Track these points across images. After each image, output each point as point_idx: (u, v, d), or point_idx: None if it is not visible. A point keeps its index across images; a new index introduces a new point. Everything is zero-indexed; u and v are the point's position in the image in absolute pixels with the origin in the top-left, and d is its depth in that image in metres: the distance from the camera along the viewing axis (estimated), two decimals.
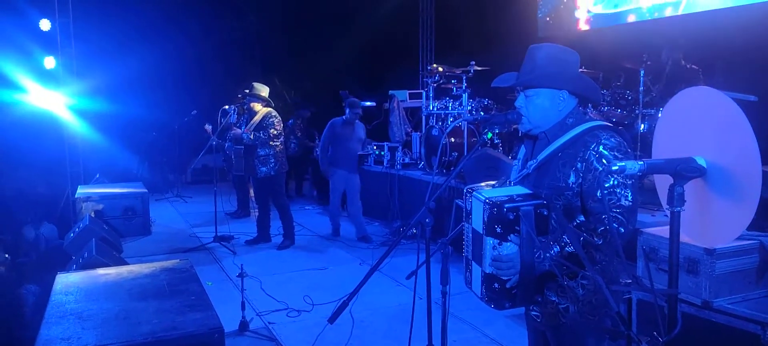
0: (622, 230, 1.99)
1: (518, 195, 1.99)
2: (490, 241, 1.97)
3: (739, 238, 3.11)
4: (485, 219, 1.98)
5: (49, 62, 7.91)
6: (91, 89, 8.74)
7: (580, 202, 2.08)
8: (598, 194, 2.01)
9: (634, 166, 1.83)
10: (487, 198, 1.98)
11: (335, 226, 7.42)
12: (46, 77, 7.92)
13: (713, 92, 2.09)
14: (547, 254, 1.94)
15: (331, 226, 7.49)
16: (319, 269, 6.04)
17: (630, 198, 2.01)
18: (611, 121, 4.95)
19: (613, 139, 2.05)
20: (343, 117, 7.06)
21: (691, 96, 2.25)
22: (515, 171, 2.34)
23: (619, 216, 1.99)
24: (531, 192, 2.03)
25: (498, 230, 1.94)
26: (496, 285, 2.00)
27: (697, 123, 2.10)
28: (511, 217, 1.92)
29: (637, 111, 5.87)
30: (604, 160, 2.01)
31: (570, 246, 1.94)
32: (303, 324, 4.51)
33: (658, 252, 3.43)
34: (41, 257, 5.62)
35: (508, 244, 1.95)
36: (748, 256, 3.26)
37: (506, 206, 1.92)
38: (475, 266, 2.11)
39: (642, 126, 5.81)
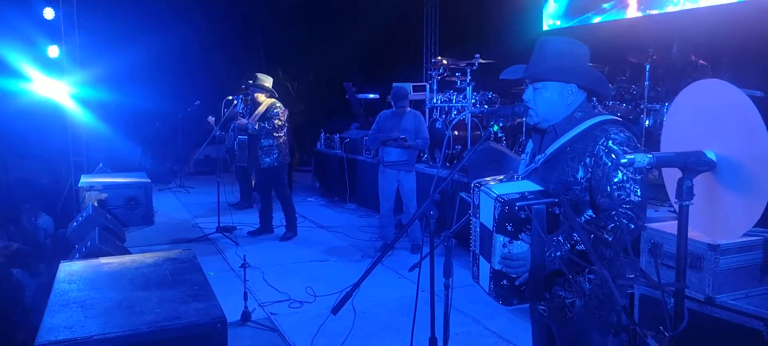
0: (632, 226, 1.97)
1: (530, 193, 1.95)
2: (500, 238, 1.94)
3: (744, 234, 3.10)
4: (496, 216, 1.94)
5: (53, 51, 7.90)
6: (94, 79, 8.74)
7: (589, 197, 2.06)
8: (607, 189, 1.99)
9: (643, 159, 1.81)
10: (498, 195, 1.94)
11: (386, 238, 6.20)
12: (49, 66, 7.91)
13: (725, 85, 2.07)
14: (558, 253, 1.92)
15: (381, 238, 6.36)
16: (321, 260, 6.04)
17: (639, 193, 1.99)
18: (616, 116, 4.93)
19: (622, 134, 2.03)
20: (392, 109, 6.17)
21: (701, 89, 2.23)
22: (523, 165, 2.32)
23: (629, 212, 1.97)
24: (542, 189, 2.00)
25: (509, 228, 1.91)
26: (505, 282, 1.98)
27: (708, 117, 2.08)
28: (523, 216, 1.89)
29: (642, 106, 5.84)
30: (613, 155, 1.99)
31: (581, 244, 1.92)
32: (305, 315, 4.51)
33: (662, 247, 3.42)
34: (37, 248, 5.62)
35: (519, 242, 1.92)
36: (752, 252, 3.26)
37: (518, 204, 1.89)
38: (483, 262, 2.08)
39: (647, 121, 5.78)
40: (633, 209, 1.98)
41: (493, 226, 1.96)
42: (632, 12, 7.32)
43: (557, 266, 1.93)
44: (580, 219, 2.05)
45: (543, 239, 1.88)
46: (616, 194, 1.98)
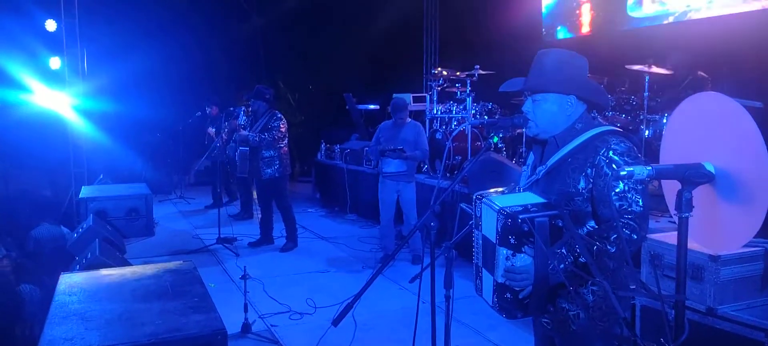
0: (635, 236, 1.97)
1: (533, 205, 1.95)
2: (503, 251, 1.94)
3: (745, 245, 3.10)
4: (499, 229, 1.94)
5: (55, 63, 7.94)
6: (95, 90, 8.78)
7: (591, 208, 2.07)
8: (609, 199, 1.99)
9: (642, 171, 1.82)
10: (501, 208, 1.93)
11: (387, 249, 6.22)
12: (51, 78, 7.95)
13: (723, 98, 2.08)
14: (561, 266, 1.92)
15: (382, 249, 6.38)
16: (322, 271, 6.03)
17: (641, 203, 1.99)
18: (616, 126, 4.94)
19: (623, 144, 2.04)
20: (392, 120, 6.16)
21: (700, 102, 2.24)
22: (524, 177, 2.32)
23: (631, 222, 1.97)
24: (545, 202, 2.00)
25: (512, 240, 1.91)
26: (509, 295, 1.97)
27: (706, 129, 2.09)
28: (526, 228, 1.89)
29: (641, 116, 5.86)
30: (613, 166, 2.00)
31: (582, 256, 1.91)
32: (305, 327, 4.50)
33: (663, 258, 3.42)
34: (40, 258, 5.61)
35: (522, 255, 1.92)
36: (753, 263, 3.25)
37: (521, 216, 1.89)
38: (486, 274, 2.07)
39: (646, 132, 5.79)
40: (635, 219, 1.98)
41: (496, 238, 1.95)
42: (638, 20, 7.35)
43: (561, 278, 1.92)
44: (582, 230, 2.06)
45: (546, 251, 1.88)
46: (617, 204, 1.98)
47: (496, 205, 1.96)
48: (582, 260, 1.91)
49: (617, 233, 1.95)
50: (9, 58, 7.55)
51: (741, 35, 5.79)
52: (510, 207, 1.93)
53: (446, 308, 2.25)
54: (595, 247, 1.96)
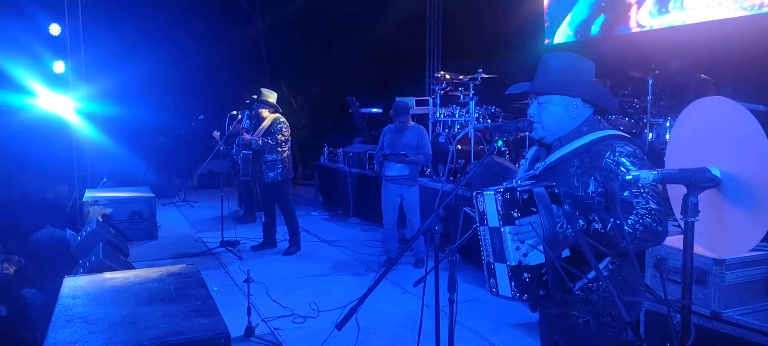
0: (655, 225, 1.93)
1: (526, 180, 2.07)
2: (508, 229, 1.96)
3: (750, 249, 3.09)
4: (500, 209, 1.96)
5: (59, 66, 7.97)
6: (99, 93, 8.81)
7: (605, 202, 2.06)
8: (624, 195, 1.98)
9: (648, 175, 1.82)
10: (497, 189, 1.99)
11: (390, 253, 6.19)
12: (55, 81, 7.98)
13: (728, 102, 2.08)
14: (570, 229, 1.92)
15: (385, 252, 6.35)
16: (325, 275, 6.03)
17: (653, 205, 1.97)
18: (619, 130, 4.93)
19: (628, 147, 2.05)
20: (395, 123, 6.15)
21: (705, 106, 2.23)
22: (522, 170, 2.32)
23: (653, 214, 1.94)
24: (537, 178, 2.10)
25: (515, 215, 1.94)
26: (526, 275, 1.96)
27: (712, 133, 2.08)
28: (526, 197, 1.94)
29: (644, 120, 5.85)
30: (622, 168, 2.00)
31: (597, 222, 1.93)
32: (308, 330, 4.50)
33: (667, 262, 3.41)
34: (42, 262, 5.62)
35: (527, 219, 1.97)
36: (758, 267, 3.24)
37: (519, 189, 1.95)
38: (499, 267, 2.04)
39: (650, 135, 5.78)
40: (650, 214, 1.94)
41: (500, 220, 1.97)
42: (635, 26, 7.35)
43: (571, 242, 1.92)
44: (596, 225, 2.04)
45: (551, 213, 1.92)
46: (634, 200, 1.97)
47: (493, 189, 2.02)
48: (595, 226, 1.93)
49: (634, 216, 1.92)
50: (13, 62, 7.58)
51: (743, 39, 5.78)
52: (507, 185, 2.01)
53: (450, 312, 2.24)
54: (610, 224, 1.93)
